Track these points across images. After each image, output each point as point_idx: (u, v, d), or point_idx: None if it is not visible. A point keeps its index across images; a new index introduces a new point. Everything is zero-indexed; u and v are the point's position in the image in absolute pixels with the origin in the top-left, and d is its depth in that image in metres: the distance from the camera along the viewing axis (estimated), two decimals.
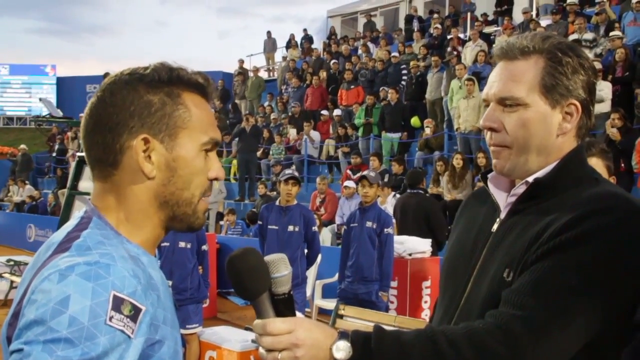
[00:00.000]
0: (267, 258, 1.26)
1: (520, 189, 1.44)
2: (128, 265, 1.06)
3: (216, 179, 1.23)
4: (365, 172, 6.07)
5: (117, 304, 1.00)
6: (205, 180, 1.21)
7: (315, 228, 6.02)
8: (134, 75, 1.17)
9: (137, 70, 1.19)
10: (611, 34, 11.27)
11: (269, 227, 5.94)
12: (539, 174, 1.42)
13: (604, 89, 9.81)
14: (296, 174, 6.02)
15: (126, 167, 1.16)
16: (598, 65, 10.01)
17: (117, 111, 1.15)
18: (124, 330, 1.00)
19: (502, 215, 1.47)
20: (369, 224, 5.82)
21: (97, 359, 0.96)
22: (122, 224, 1.17)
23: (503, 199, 1.50)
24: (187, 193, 1.18)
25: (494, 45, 12.13)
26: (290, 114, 16.13)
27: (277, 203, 6.03)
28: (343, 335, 1.23)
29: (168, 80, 1.17)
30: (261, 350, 1.22)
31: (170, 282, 5.53)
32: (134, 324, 1.02)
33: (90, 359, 0.96)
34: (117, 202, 1.18)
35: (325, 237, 10.08)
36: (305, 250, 6.01)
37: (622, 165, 8.81)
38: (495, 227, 1.46)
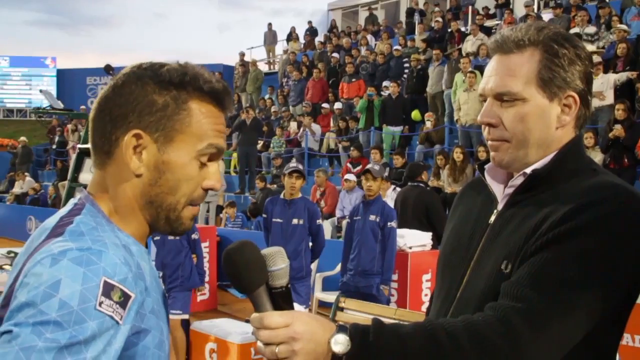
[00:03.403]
0: (264, 251, 1.25)
1: (518, 180, 1.44)
2: (120, 252, 1.08)
3: (212, 189, 1.22)
4: (369, 166, 6.05)
5: (108, 290, 1.02)
6: (196, 188, 1.20)
7: (319, 221, 6.03)
8: (148, 72, 1.18)
9: (153, 66, 1.20)
10: (618, 25, 11.22)
11: (274, 220, 5.94)
12: (537, 165, 1.42)
13: (605, 84, 9.78)
14: (300, 167, 6.02)
15: (118, 159, 1.18)
16: (598, 59, 9.98)
17: (122, 103, 1.17)
18: (113, 316, 1.02)
19: (500, 206, 1.47)
20: (372, 217, 5.82)
21: (85, 343, 0.98)
22: (113, 214, 1.19)
23: (500, 191, 1.49)
24: (171, 198, 1.18)
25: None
26: (303, 105, 15.99)
27: (281, 196, 6.03)
28: (341, 328, 1.23)
29: (178, 83, 1.18)
30: (259, 343, 1.21)
31: (160, 273, 5.58)
32: (123, 310, 1.04)
33: (78, 342, 0.97)
34: (109, 192, 1.19)
35: (326, 229, 10.09)
36: (310, 244, 6.02)
37: (626, 160, 8.79)
38: (492, 218, 1.46)
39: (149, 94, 1.17)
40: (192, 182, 1.19)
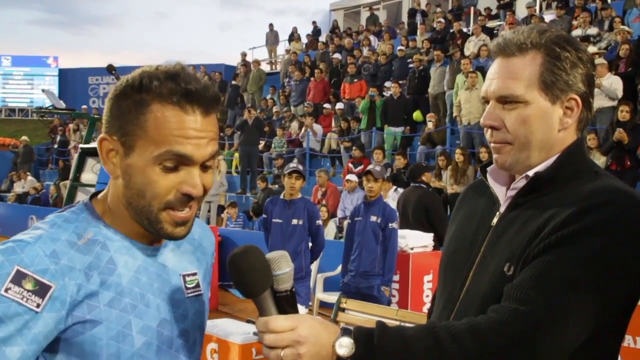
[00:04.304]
0: (268, 255, 1.26)
1: (520, 182, 1.44)
2: (50, 246, 1.15)
3: (187, 194, 1.20)
4: (370, 167, 6.04)
5: (19, 278, 1.10)
6: (167, 192, 1.20)
7: (319, 222, 6.03)
8: (124, 81, 1.22)
9: (132, 74, 1.23)
10: (620, 27, 11.22)
11: (273, 220, 5.95)
12: (539, 168, 1.42)
13: (614, 84, 9.75)
14: (300, 167, 6.02)
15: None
16: (601, 60, 9.98)
17: (105, 112, 1.24)
18: (21, 302, 1.10)
19: (502, 209, 1.47)
20: (373, 218, 5.81)
21: None
22: (106, 212, 1.27)
23: (502, 193, 1.50)
24: (143, 201, 1.21)
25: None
26: (305, 106, 16.00)
27: (281, 196, 6.04)
28: (346, 331, 1.23)
29: (137, 87, 1.19)
30: (264, 347, 1.22)
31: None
32: (39, 298, 1.11)
33: None
34: (108, 195, 1.28)
35: (331, 229, 10.09)
36: (310, 244, 6.02)
37: (628, 162, 8.77)
38: (495, 220, 1.46)
39: (117, 101, 1.22)
40: (156, 186, 1.19)
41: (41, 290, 1.12)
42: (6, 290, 1.09)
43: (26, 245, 1.14)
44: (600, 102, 9.55)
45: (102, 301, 1.19)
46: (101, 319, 1.18)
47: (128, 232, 1.26)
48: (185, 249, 1.38)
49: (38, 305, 1.11)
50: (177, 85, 1.17)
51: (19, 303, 1.10)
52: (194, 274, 1.38)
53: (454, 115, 12.11)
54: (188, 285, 1.35)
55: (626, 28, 11.17)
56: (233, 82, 19.30)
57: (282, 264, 1.25)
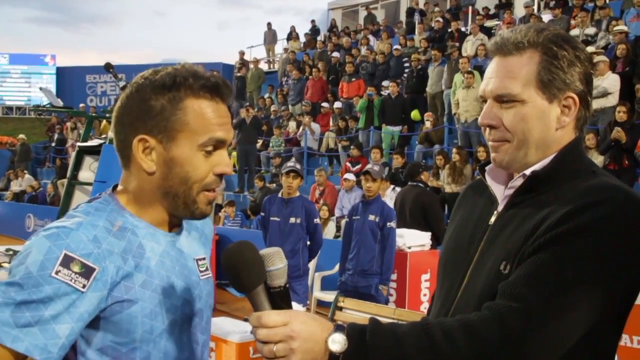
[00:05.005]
0: (262, 251, 1.27)
1: (517, 181, 1.44)
2: (91, 232, 1.27)
3: (223, 173, 1.37)
4: (368, 167, 6.04)
5: (67, 261, 1.21)
6: (206, 175, 1.35)
7: (317, 220, 6.03)
8: (146, 81, 1.34)
9: (151, 74, 1.35)
10: (615, 28, 11.23)
11: (271, 218, 5.95)
12: (537, 166, 1.42)
13: (611, 81, 9.76)
14: (298, 166, 6.01)
15: (134, 161, 1.36)
16: (604, 58, 9.98)
17: (128, 112, 1.35)
18: (70, 283, 1.21)
19: (500, 207, 1.47)
20: (371, 217, 5.82)
21: (42, 302, 1.19)
22: (130, 203, 1.38)
23: (500, 192, 1.50)
24: (184, 187, 1.34)
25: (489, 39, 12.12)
26: (303, 105, 16.01)
27: (279, 195, 6.03)
28: (339, 327, 1.24)
29: (171, 86, 1.32)
30: (257, 342, 1.22)
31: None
32: (85, 279, 1.23)
33: (32, 301, 1.19)
34: (130, 188, 1.39)
35: (331, 228, 10.10)
36: (308, 242, 6.02)
37: (626, 161, 8.78)
38: (492, 219, 1.47)
39: (147, 101, 1.32)
40: (199, 170, 1.34)
41: (86, 272, 1.23)
42: (56, 272, 1.20)
43: (70, 231, 1.24)
44: (597, 101, 9.56)
45: (136, 282, 1.30)
46: (137, 299, 1.30)
47: (151, 220, 1.38)
48: (194, 236, 1.52)
49: (84, 286, 1.22)
50: (206, 81, 1.33)
51: (67, 284, 1.21)
52: (204, 258, 1.51)
53: (453, 112, 12.11)
54: (201, 269, 1.48)
55: (622, 27, 11.16)
56: (239, 74, 19.32)
57: (275, 260, 1.26)
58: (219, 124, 1.34)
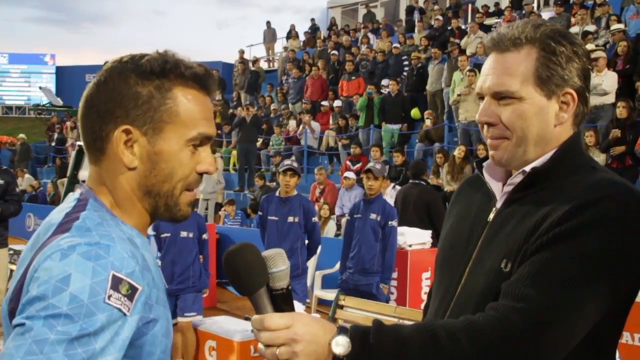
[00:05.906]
0: (264, 253, 1.25)
1: (517, 178, 1.43)
2: (126, 246, 1.10)
3: (206, 172, 1.23)
4: (370, 165, 6.03)
5: (116, 283, 1.04)
6: (190, 173, 1.21)
7: (315, 219, 6.02)
8: (128, 65, 1.18)
9: (133, 58, 1.19)
10: (613, 27, 11.22)
11: (269, 217, 5.93)
12: (536, 163, 1.41)
13: (608, 79, 9.75)
14: (295, 165, 6.00)
15: (111, 155, 1.19)
16: (602, 54, 9.97)
17: (107, 99, 1.17)
18: (121, 308, 1.04)
19: (498, 204, 1.46)
20: (373, 215, 5.80)
21: (94, 334, 1.01)
22: (114, 207, 1.21)
23: (499, 188, 1.49)
24: (168, 185, 1.20)
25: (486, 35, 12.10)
26: (303, 103, 16.01)
27: (277, 194, 6.02)
28: (342, 330, 1.23)
29: (160, 72, 1.17)
30: (260, 345, 1.21)
31: (159, 262, 5.50)
32: (130, 302, 1.06)
33: (87, 334, 1.00)
34: (108, 187, 1.21)
35: (332, 227, 10.08)
36: (306, 241, 6.01)
37: (629, 161, 8.77)
38: (491, 216, 1.45)
39: (132, 87, 1.16)
40: (185, 168, 1.20)
41: (132, 293, 1.07)
42: (109, 297, 1.03)
43: (109, 247, 1.07)
44: (596, 98, 9.56)
45: (153, 298, 1.15)
46: (158, 317, 1.15)
47: (135, 224, 1.23)
48: None
49: (129, 309, 1.06)
50: (197, 70, 1.20)
51: (119, 310, 1.04)
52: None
53: (453, 100, 12.02)
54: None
55: (620, 26, 11.14)
56: (253, 68, 19.34)
57: (278, 261, 1.24)
58: (207, 118, 1.22)
